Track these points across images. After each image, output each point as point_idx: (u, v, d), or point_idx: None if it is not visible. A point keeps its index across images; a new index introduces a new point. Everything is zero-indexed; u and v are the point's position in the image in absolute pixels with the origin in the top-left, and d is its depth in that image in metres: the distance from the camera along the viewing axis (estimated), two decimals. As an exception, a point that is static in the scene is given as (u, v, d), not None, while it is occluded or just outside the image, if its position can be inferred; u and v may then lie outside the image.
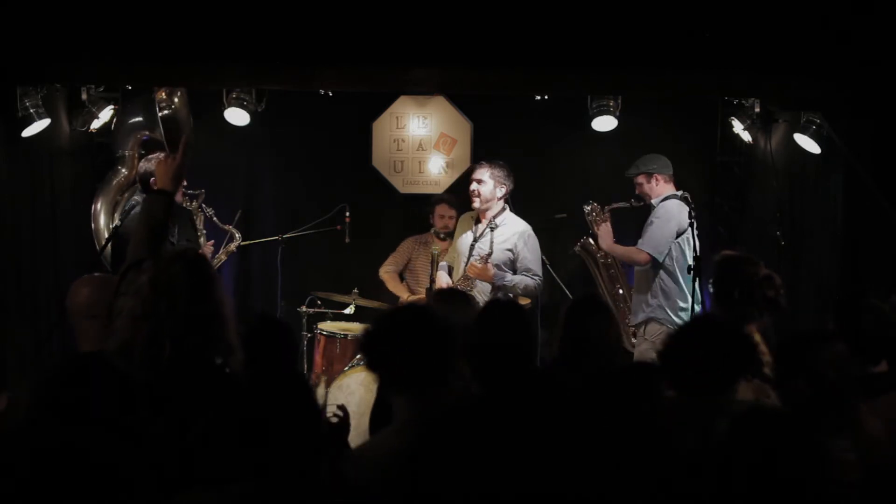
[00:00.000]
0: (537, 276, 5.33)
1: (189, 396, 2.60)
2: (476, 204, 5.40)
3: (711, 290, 3.88)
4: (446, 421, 2.32)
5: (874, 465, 2.50)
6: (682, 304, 5.36)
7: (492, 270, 5.20)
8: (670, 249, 5.36)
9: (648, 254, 5.31)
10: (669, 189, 5.53)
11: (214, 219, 5.59)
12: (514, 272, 5.30)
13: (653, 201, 5.53)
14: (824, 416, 2.51)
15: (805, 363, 2.61)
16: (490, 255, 5.23)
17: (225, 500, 2.15)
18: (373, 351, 2.55)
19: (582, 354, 3.17)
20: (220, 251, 5.63)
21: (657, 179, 5.52)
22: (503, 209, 5.43)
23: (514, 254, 5.31)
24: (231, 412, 2.17)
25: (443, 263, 5.61)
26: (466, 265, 5.31)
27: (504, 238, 5.32)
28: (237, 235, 5.68)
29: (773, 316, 3.60)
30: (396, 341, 2.49)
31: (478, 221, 5.47)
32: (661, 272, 5.37)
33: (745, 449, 2.07)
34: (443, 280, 5.46)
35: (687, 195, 5.42)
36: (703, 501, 2.19)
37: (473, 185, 5.39)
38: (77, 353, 2.91)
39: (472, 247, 5.37)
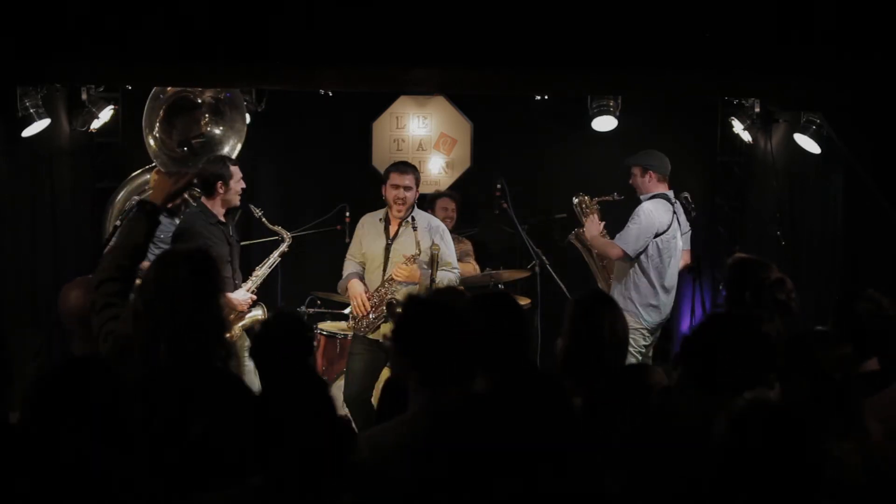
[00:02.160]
0: (455, 268, 5.31)
1: (184, 397, 2.61)
2: (401, 213, 5.18)
3: (724, 292, 3.90)
4: (459, 414, 2.32)
5: (875, 467, 2.49)
6: (652, 302, 5.50)
7: (419, 271, 5.10)
8: (647, 248, 5.45)
9: (621, 249, 5.53)
10: (660, 188, 5.60)
11: (263, 220, 5.53)
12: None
13: (641, 197, 5.61)
14: (827, 417, 2.50)
15: (809, 363, 2.61)
16: (417, 255, 5.09)
17: (239, 499, 2.15)
18: (406, 342, 2.53)
19: (595, 350, 3.15)
20: (274, 254, 5.54)
21: (650, 176, 5.61)
22: (412, 206, 5.27)
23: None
24: (245, 410, 2.16)
25: (353, 271, 5.37)
26: (386, 269, 5.18)
27: (423, 236, 5.17)
28: (287, 236, 5.56)
29: (784, 319, 3.59)
30: (433, 335, 2.48)
31: (386, 222, 5.26)
32: (637, 267, 5.55)
33: (744, 445, 2.07)
34: (357, 289, 5.21)
35: (687, 195, 5.46)
36: (703, 499, 2.19)
37: (401, 192, 5.14)
38: (70, 357, 2.90)
39: (387, 248, 5.20)
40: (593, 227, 5.75)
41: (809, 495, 2.03)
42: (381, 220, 5.30)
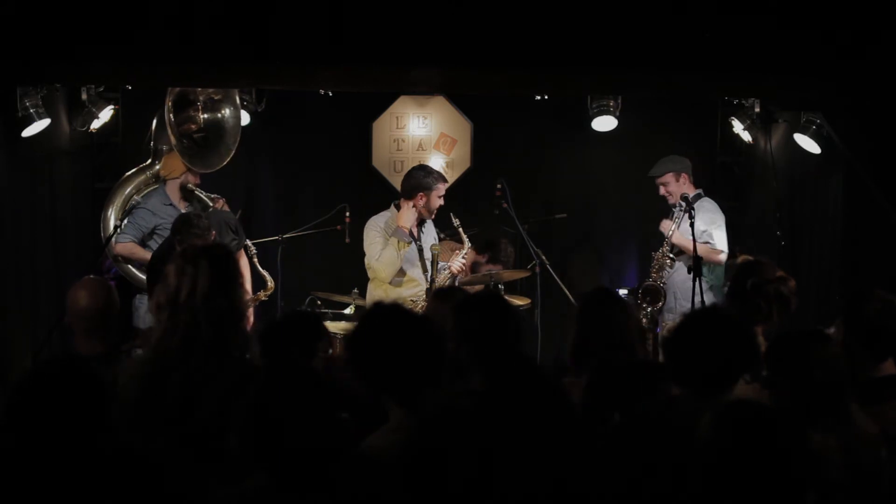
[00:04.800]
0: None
1: (199, 385, 2.64)
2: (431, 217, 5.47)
3: (726, 290, 3.91)
4: (437, 420, 2.31)
5: (861, 465, 2.49)
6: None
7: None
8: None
9: (725, 251, 5.49)
10: (693, 189, 5.62)
11: (254, 259, 5.55)
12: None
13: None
14: (813, 415, 2.50)
15: (795, 362, 2.61)
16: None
17: (239, 498, 2.14)
18: (355, 361, 2.55)
19: (602, 346, 3.14)
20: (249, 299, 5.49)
21: (685, 178, 5.62)
22: None
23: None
24: (245, 407, 2.17)
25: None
26: (427, 267, 5.35)
27: (431, 228, 5.54)
28: (269, 283, 5.62)
29: (781, 315, 3.58)
30: (374, 348, 2.50)
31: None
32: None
33: (726, 442, 2.07)
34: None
35: (687, 195, 5.45)
36: (690, 498, 2.19)
37: (441, 202, 5.37)
38: (48, 359, 2.95)
39: (420, 249, 5.39)
40: (683, 235, 5.41)
41: (792, 494, 2.04)
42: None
